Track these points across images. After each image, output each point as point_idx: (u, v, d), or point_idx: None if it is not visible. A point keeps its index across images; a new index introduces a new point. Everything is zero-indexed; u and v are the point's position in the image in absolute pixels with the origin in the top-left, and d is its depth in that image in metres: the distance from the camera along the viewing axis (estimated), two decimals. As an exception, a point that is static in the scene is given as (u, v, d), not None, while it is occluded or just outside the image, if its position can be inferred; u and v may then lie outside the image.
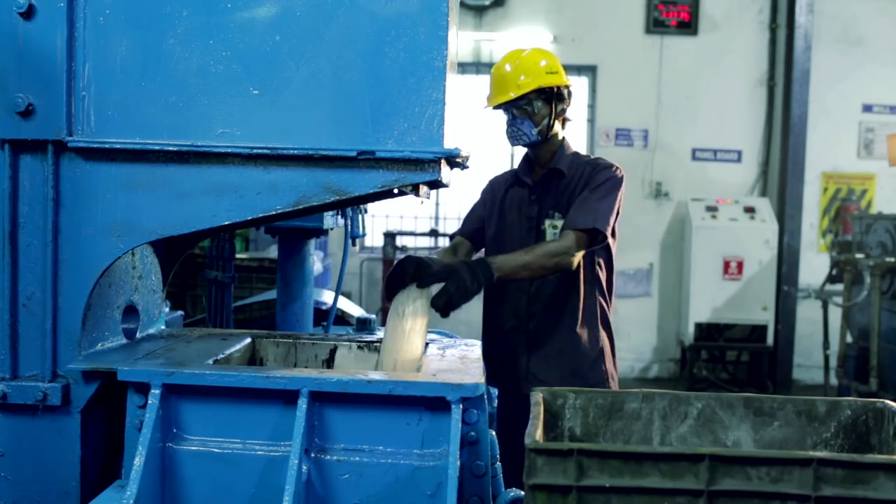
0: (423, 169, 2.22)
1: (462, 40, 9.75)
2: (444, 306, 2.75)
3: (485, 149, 9.52)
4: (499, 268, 3.02)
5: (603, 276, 3.56)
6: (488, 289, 3.49)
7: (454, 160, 2.27)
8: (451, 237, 3.83)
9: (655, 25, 9.78)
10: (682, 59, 9.79)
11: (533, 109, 3.44)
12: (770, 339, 9.37)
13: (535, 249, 3.20)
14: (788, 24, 9.61)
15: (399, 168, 2.22)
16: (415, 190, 2.29)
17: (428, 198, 2.35)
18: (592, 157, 3.62)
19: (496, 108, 3.50)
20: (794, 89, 9.44)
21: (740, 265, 9.22)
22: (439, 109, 2.20)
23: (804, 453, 1.88)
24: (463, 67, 9.80)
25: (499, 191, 3.70)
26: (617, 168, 3.48)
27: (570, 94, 3.54)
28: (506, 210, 3.63)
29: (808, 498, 1.83)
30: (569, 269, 3.26)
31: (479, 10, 9.84)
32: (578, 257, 3.28)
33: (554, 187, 3.52)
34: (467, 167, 2.41)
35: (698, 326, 9.32)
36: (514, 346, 3.57)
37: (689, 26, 9.82)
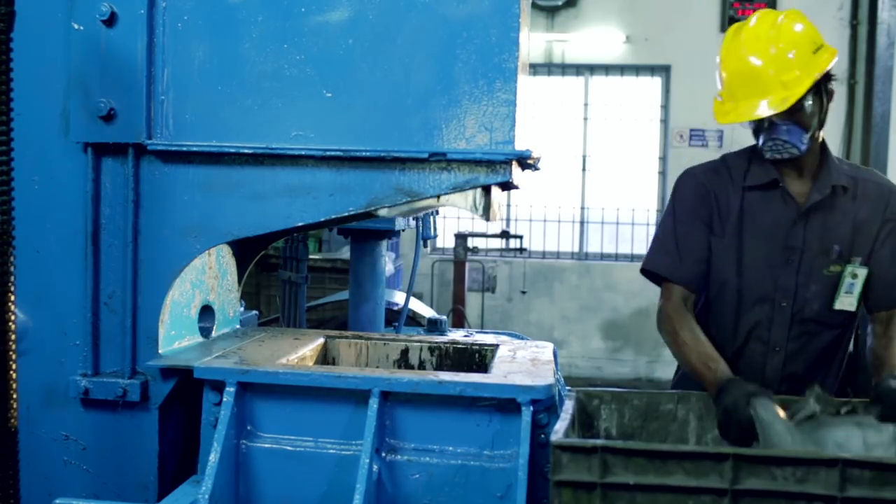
0: (495, 170, 2.21)
1: (533, 41, 9.70)
2: None
3: (557, 150, 9.48)
4: None
5: None
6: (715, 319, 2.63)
7: (526, 161, 2.26)
8: (657, 279, 2.63)
9: (731, 24, 9.56)
10: (758, 57, 9.59)
11: (803, 109, 2.42)
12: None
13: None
14: (870, 20, 9.34)
15: (470, 169, 2.22)
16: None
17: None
18: (855, 165, 2.69)
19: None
20: (875, 87, 9.17)
21: (819, 268, 8.98)
22: (511, 111, 2.19)
23: (831, 454, 1.85)
24: (534, 69, 9.75)
25: (727, 197, 2.60)
26: None
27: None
28: (747, 229, 2.57)
29: (834, 499, 1.80)
30: None
31: (551, 11, 9.78)
32: None
33: (832, 213, 2.53)
34: (538, 168, 2.40)
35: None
36: None
37: (766, 24, 9.61)
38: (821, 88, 2.46)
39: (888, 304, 2.51)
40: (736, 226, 2.57)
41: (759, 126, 2.47)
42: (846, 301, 2.52)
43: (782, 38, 2.41)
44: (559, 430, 1.97)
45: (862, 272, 2.50)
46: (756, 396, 2.15)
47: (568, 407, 2.16)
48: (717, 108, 2.53)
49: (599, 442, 1.91)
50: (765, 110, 2.38)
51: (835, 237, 2.52)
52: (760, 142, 2.48)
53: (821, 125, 2.51)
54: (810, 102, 2.42)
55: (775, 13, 2.51)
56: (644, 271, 2.66)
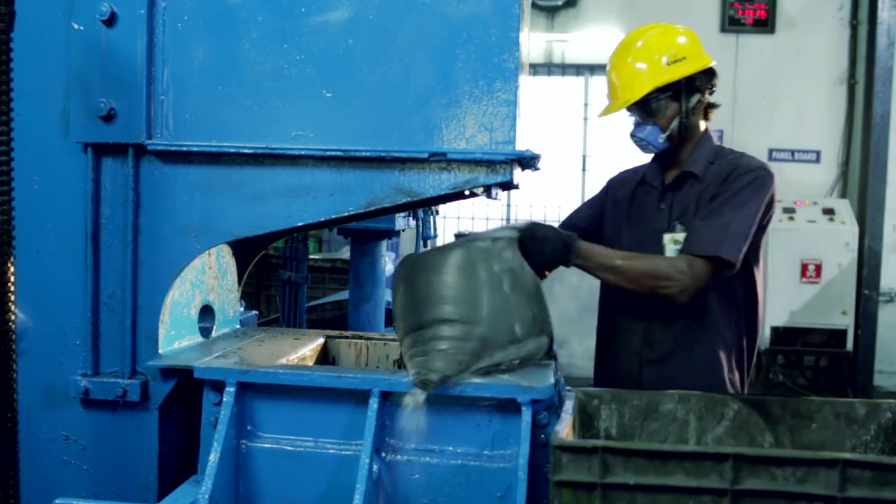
0: (495, 170, 2.22)
1: (533, 41, 9.71)
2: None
3: (557, 150, 9.48)
4: (582, 254, 2.55)
5: (741, 311, 2.86)
6: (604, 313, 3.04)
7: (526, 161, 2.26)
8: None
9: (731, 24, 9.60)
10: (758, 57, 9.59)
11: (657, 111, 2.80)
12: (850, 344, 9.11)
13: (641, 258, 2.65)
14: (870, 20, 9.34)
15: (470, 169, 2.22)
16: (486, 191, 2.29)
17: (497, 198, 2.34)
18: (738, 153, 2.91)
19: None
20: (875, 87, 9.17)
21: (818, 268, 8.98)
22: (511, 111, 2.19)
23: (830, 454, 1.85)
24: (534, 69, 9.76)
25: (623, 192, 3.03)
26: (762, 169, 2.77)
27: (711, 75, 2.84)
28: (633, 217, 2.96)
29: (834, 499, 1.79)
30: (672, 301, 2.63)
31: (551, 11, 9.78)
32: (689, 290, 2.62)
33: (684, 193, 2.85)
34: (539, 168, 2.40)
35: (775, 330, 9.11)
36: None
37: (765, 24, 9.61)
38: (681, 94, 2.79)
39: (683, 248, 2.70)
40: (626, 216, 2.98)
41: (633, 125, 2.87)
42: None
43: (642, 48, 2.82)
44: (559, 430, 1.97)
45: (682, 237, 2.73)
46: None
47: (568, 407, 2.17)
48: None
49: (600, 442, 1.91)
50: (610, 110, 2.87)
51: (684, 217, 2.80)
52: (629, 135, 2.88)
53: (683, 127, 2.82)
54: (663, 105, 2.78)
55: (652, 27, 2.92)
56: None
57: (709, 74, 2.84)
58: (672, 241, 2.75)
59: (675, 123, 2.80)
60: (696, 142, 2.87)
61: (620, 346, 2.93)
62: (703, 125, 2.90)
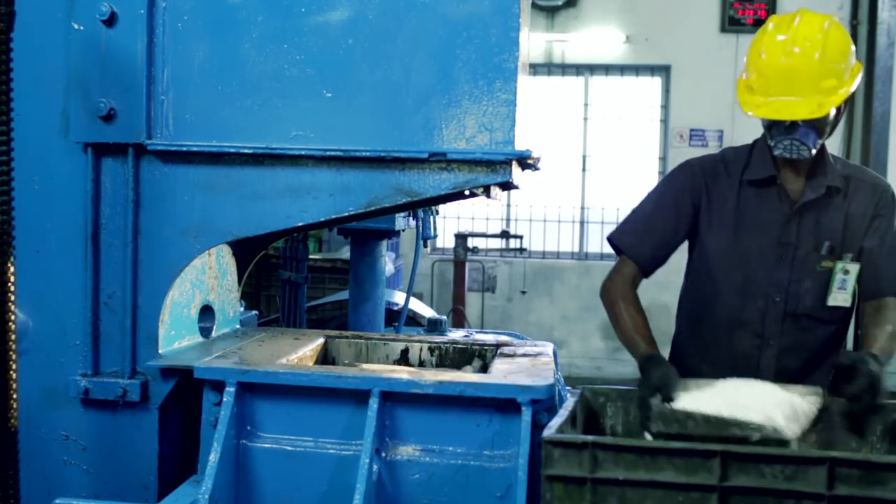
0: (495, 170, 2.22)
1: (533, 41, 9.71)
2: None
3: (557, 150, 9.48)
4: (886, 362, 2.32)
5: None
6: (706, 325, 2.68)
7: (526, 161, 2.26)
8: (618, 251, 2.72)
9: (731, 24, 9.59)
10: (758, 57, 9.59)
11: (827, 117, 2.46)
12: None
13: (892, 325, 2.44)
14: (870, 20, 9.34)
15: (470, 169, 2.22)
16: (486, 191, 2.29)
17: (497, 198, 2.35)
18: (851, 164, 2.73)
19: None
20: (875, 87, 9.17)
21: (819, 268, 8.98)
22: (511, 111, 2.19)
23: (819, 452, 1.87)
24: (534, 69, 9.75)
25: (722, 190, 2.64)
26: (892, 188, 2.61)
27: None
28: (745, 223, 2.60)
29: (822, 497, 1.80)
30: None
31: (551, 11, 9.78)
32: None
33: (825, 210, 2.57)
34: (538, 168, 2.40)
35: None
36: None
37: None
38: (845, 101, 2.49)
39: (875, 294, 2.54)
40: (731, 220, 2.61)
41: (778, 124, 2.47)
42: (839, 297, 2.55)
43: (829, 45, 2.43)
44: (553, 425, 1.98)
45: (853, 268, 2.53)
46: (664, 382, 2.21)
47: (568, 404, 2.17)
48: (745, 97, 2.53)
49: (590, 438, 1.92)
50: (802, 113, 2.41)
51: (827, 234, 2.56)
52: (774, 139, 2.49)
53: (832, 131, 2.56)
54: (834, 111, 2.46)
55: (821, 17, 2.52)
56: (610, 240, 2.75)
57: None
58: (842, 271, 2.53)
59: (829, 129, 2.53)
60: (821, 148, 2.58)
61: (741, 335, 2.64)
62: None
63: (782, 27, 2.49)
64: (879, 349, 2.34)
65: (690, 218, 2.66)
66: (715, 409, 2.10)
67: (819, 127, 2.46)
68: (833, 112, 2.46)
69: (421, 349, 2.80)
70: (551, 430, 1.95)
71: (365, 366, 2.61)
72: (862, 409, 2.21)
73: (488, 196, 2.31)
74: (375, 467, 2.14)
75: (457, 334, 3.90)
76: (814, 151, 2.48)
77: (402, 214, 3.95)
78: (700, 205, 2.64)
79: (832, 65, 2.43)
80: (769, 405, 2.11)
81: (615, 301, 2.63)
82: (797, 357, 2.60)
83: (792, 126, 2.44)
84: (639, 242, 2.67)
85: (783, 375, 2.55)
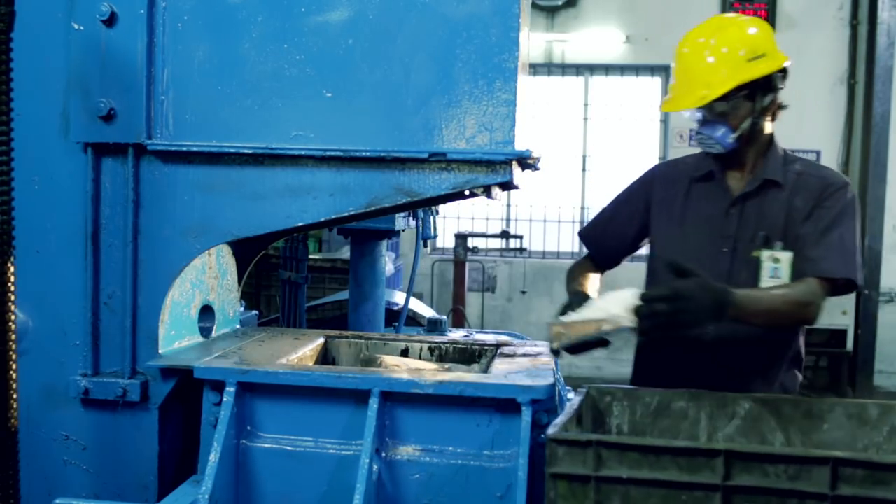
0: (495, 170, 2.22)
1: (533, 41, 9.70)
2: (651, 327, 2.19)
3: (557, 150, 9.48)
4: (740, 305, 2.30)
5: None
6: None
7: (526, 161, 2.26)
8: (584, 240, 2.97)
9: (731, 24, 9.61)
10: (758, 57, 9.59)
11: (730, 109, 2.58)
12: (850, 344, 9.11)
13: (780, 292, 2.48)
14: (870, 20, 9.34)
15: (470, 169, 2.22)
16: (486, 191, 2.29)
17: (497, 198, 2.34)
18: (806, 160, 2.76)
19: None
20: (876, 87, 9.17)
21: (819, 268, 8.98)
22: (511, 111, 2.19)
23: (822, 452, 1.86)
24: (534, 69, 9.75)
25: (673, 191, 2.78)
26: (849, 187, 2.64)
27: (785, 75, 2.64)
28: (690, 219, 2.73)
29: (825, 496, 1.80)
30: (809, 324, 2.57)
31: (551, 11, 9.78)
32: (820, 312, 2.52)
33: (766, 203, 2.65)
34: (538, 168, 2.40)
35: (774, 330, 9.11)
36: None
37: (766, 24, 9.62)
38: (756, 93, 2.58)
39: (798, 276, 2.54)
40: (678, 217, 2.74)
41: (697, 121, 2.65)
42: (771, 285, 2.56)
43: (721, 41, 2.59)
44: (558, 423, 1.99)
45: (785, 256, 2.57)
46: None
47: (574, 402, 2.17)
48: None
49: (594, 436, 1.92)
50: (685, 104, 2.60)
51: (766, 226, 2.62)
52: (694, 134, 2.70)
53: (755, 126, 2.62)
54: (738, 104, 2.56)
55: (731, 18, 2.72)
56: (579, 235, 3.04)
57: (783, 73, 2.65)
58: (771, 259, 2.58)
59: (746, 123, 2.60)
60: (762, 144, 2.69)
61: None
62: (769, 126, 2.71)
63: (695, 27, 2.72)
64: (744, 293, 2.35)
65: (642, 214, 2.81)
66: (580, 315, 2.32)
67: (728, 121, 2.58)
68: (738, 105, 2.56)
69: (421, 349, 2.80)
70: (556, 427, 1.95)
71: (386, 358, 2.60)
72: (641, 325, 2.19)
73: (488, 196, 2.31)
74: (375, 467, 2.14)
75: (457, 334, 3.90)
76: (727, 145, 2.58)
77: (402, 214, 3.95)
78: (651, 202, 2.80)
79: (716, 63, 2.56)
80: (612, 303, 2.26)
81: (569, 271, 2.90)
82: (735, 346, 2.61)
83: (703, 121, 2.61)
84: (594, 236, 2.93)
85: (722, 366, 2.60)
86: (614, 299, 2.26)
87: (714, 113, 2.58)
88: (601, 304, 2.31)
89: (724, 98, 2.55)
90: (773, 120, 2.72)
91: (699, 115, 2.62)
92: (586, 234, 2.97)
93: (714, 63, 2.56)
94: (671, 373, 2.59)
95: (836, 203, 2.58)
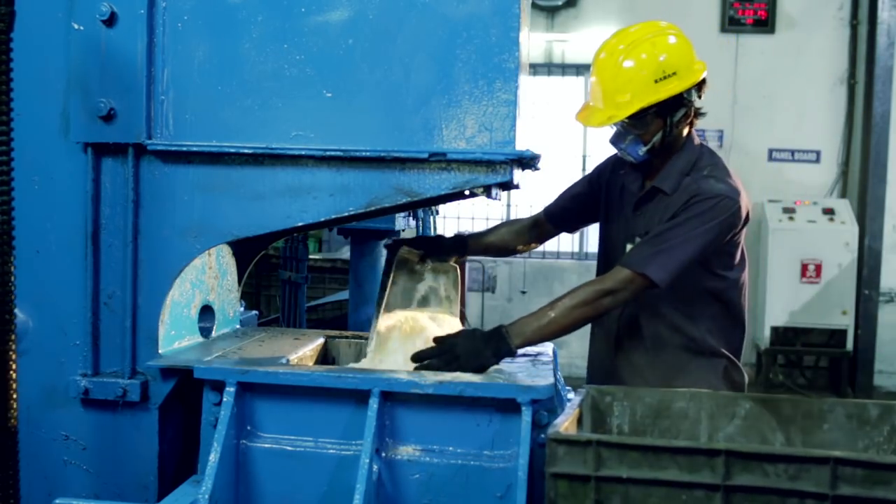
0: (495, 170, 2.22)
1: (533, 41, 9.70)
2: (437, 366, 2.36)
3: (557, 150, 9.47)
4: (519, 333, 2.47)
5: (717, 320, 2.88)
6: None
7: (526, 161, 2.26)
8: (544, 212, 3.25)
9: (731, 24, 9.60)
10: (758, 57, 9.59)
11: (640, 126, 2.70)
12: (850, 344, 9.11)
13: (579, 293, 2.59)
14: (870, 20, 9.34)
15: (470, 169, 2.22)
16: (486, 191, 2.29)
17: (497, 198, 2.34)
18: (711, 169, 2.80)
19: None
20: (876, 87, 9.17)
21: (818, 268, 8.98)
22: (511, 111, 2.19)
23: (822, 451, 1.86)
24: (534, 69, 9.76)
25: (614, 179, 3.01)
26: (724, 198, 2.67)
27: (700, 86, 2.75)
28: (611, 215, 3.00)
29: (825, 496, 1.80)
30: (610, 311, 2.72)
31: (551, 11, 9.78)
32: (625, 300, 2.67)
33: (654, 206, 2.83)
34: (539, 168, 2.40)
35: (774, 330, 9.11)
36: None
37: (765, 24, 9.61)
38: (666, 111, 2.69)
39: (622, 260, 2.69)
40: (605, 210, 3.02)
41: (615, 132, 2.78)
42: None
43: (632, 57, 2.66)
44: (558, 423, 1.99)
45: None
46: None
47: (574, 402, 2.17)
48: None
49: (594, 436, 1.92)
50: (594, 122, 2.73)
51: (650, 227, 2.76)
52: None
53: (665, 139, 2.74)
54: (648, 121, 2.68)
55: (649, 29, 2.75)
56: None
57: (700, 87, 2.75)
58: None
59: (657, 138, 2.72)
60: (673, 154, 2.81)
61: (599, 334, 3.04)
62: (686, 130, 2.82)
63: (606, 41, 2.78)
64: (523, 320, 2.54)
65: (593, 190, 3.10)
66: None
67: (641, 136, 2.72)
68: (647, 123, 2.68)
69: (421, 349, 2.79)
70: (556, 427, 1.96)
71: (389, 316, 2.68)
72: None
73: (488, 196, 2.31)
74: (375, 467, 2.14)
75: (457, 334, 3.89)
76: (639, 157, 2.75)
77: (402, 214, 3.96)
78: (601, 188, 3.06)
79: (628, 80, 2.64)
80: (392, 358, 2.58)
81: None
82: (638, 338, 2.86)
83: (616, 134, 2.77)
84: (555, 203, 3.23)
85: (628, 352, 2.89)
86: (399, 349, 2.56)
87: (627, 127, 2.71)
88: (389, 355, 2.57)
89: (633, 117, 2.66)
90: (690, 126, 2.83)
91: (614, 126, 2.74)
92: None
93: (622, 83, 2.65)
94: (595, 363, 3.05)
95: (689, 212, 2.66)
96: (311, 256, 5.52)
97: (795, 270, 9.02)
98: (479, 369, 2.35)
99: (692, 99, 2.73)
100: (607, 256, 2.97)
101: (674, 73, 2.65)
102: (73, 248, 2.35)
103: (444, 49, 2.21)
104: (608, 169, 3.06)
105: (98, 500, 2.32)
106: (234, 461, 2.22)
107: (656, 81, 2.63)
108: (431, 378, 2.19)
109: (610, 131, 2.82)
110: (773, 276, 9.06)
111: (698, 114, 2.83)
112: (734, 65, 9.57)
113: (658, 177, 2.81)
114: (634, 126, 2.70)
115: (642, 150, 2.73)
